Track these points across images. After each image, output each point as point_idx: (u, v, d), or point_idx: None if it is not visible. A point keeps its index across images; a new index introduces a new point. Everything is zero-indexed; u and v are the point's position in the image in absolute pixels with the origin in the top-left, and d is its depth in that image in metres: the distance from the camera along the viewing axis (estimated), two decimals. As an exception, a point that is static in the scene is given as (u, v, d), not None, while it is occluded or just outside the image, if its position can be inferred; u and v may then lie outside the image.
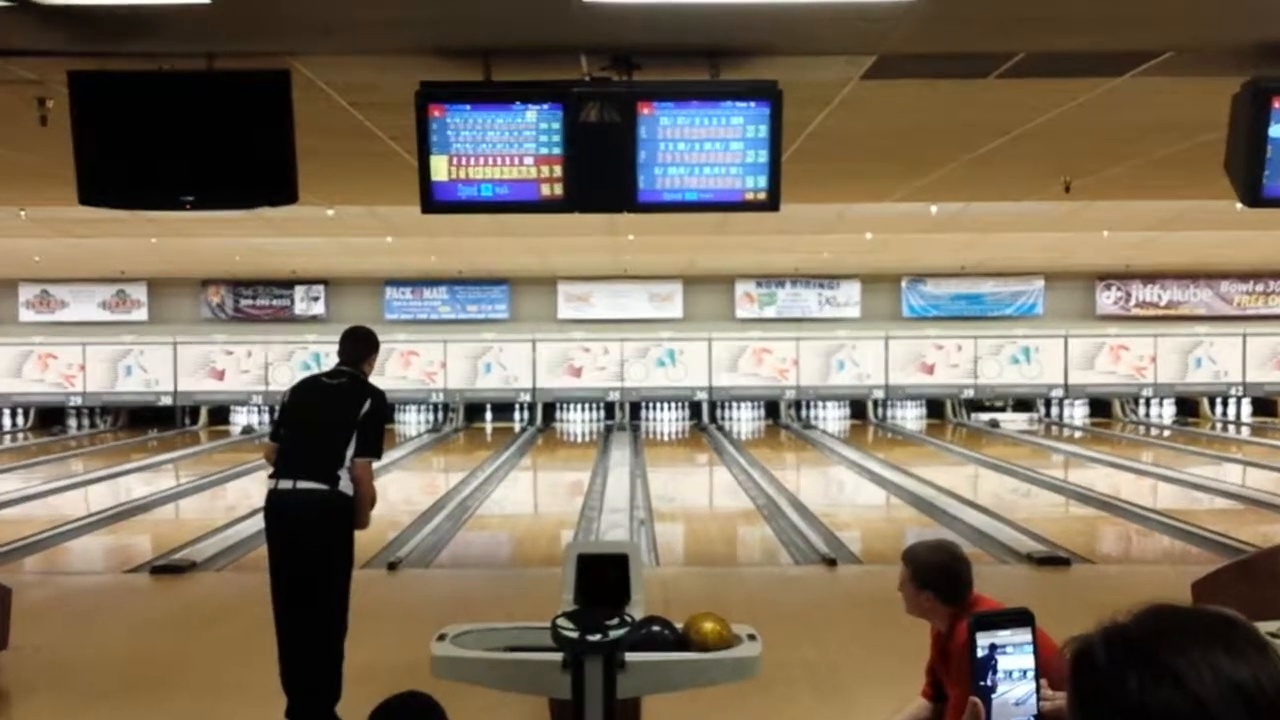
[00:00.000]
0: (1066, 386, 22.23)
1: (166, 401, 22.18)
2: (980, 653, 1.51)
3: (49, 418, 22.38)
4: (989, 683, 1.50)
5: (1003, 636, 1.51)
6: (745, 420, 22.23)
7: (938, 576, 3.64)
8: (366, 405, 5.14)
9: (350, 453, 5.08)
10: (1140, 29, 4.94)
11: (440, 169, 5.03)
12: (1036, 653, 1.53)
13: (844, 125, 6.71)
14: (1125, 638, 1.12)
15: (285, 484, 5.08)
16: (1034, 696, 1.50)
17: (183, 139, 4.91)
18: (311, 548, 5.06)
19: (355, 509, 5.13)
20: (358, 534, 5.29)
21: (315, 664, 5.11)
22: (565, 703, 4.11)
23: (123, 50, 4.81)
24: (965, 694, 3.76)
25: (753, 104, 4.99)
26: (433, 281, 21.84)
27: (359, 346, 5.36)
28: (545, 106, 4.97)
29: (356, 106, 6.24)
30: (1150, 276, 21.81)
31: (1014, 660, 1.51)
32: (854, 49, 5.22)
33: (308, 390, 5.36)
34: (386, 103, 5.97)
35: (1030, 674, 1.51)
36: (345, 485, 5.07)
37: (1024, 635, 1.52)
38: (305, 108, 5.03)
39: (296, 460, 5.12)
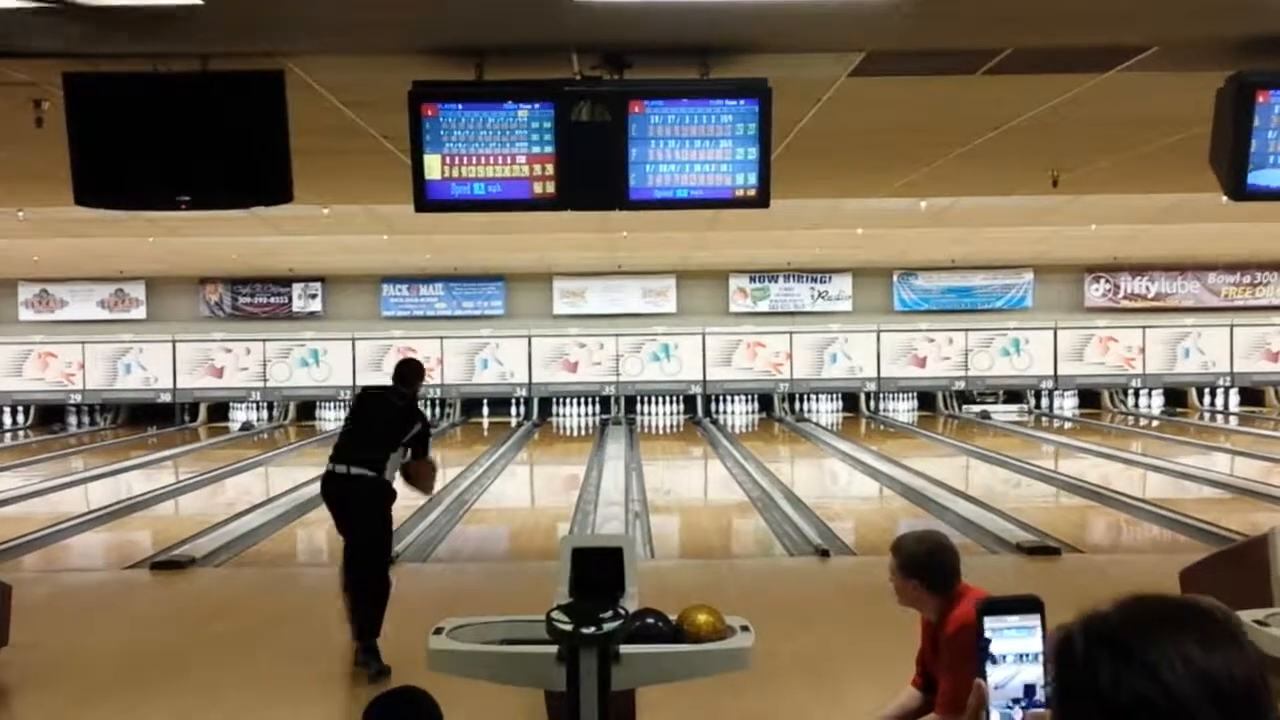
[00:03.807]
0: (1056, 378, 22.32)
1: (166, 399, 22.22)
2: (986, 637, 1.53)
3: (49, 415, 22.42)
4: (994, 667, 1.52)
5: (1010, 622, 1.53)
6: (739, 413, 22.30)
7: (924, 565, 3.70)
8: (416, 428, 6.36)
9: (395, 452, 6.23)
10: (1125, 25, 5.00)
11: (434, 168, 5.08)
12: (1045, 639, 1.54)
13: (833, 122, 6.76)
14: (1102, 627, 1.14)
15: (340, 468, 6.19)
16: (1040, 682, 1.52)
17: (178, 139, 4.95)
18: (359, 518, 6.18)
19: (420, 479, 6.51)
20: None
21: (366, 603, 6.13)
22: (561, 695, 4.17)
23: (117, 52, 4.86)
24: (954, 683, 3.84)
25: (742, 102, 5.05)
26: (429, 278, 21.88)
27: (411, 374, 6.61)
28: (537, 105, 5.02)
29: (350, 106, 6.29)
30: (1138, 269, 21.89)
31: (1021, 645, 1.53)
32: (842, 46, 5.28)
33: (375, 401, 6.65)
34: (380, 102, 6.01)
35: (1038, 659, 1.52)
36: (388, 474, 6.20)
37: (1032, 621, 1.54)
38: (299, 108, 5.07)
39: (353, 451, 6.23)
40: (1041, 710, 1.50)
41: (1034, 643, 1.53)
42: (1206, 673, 1.08)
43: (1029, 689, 1.52)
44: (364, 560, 6.20)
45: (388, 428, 6.32)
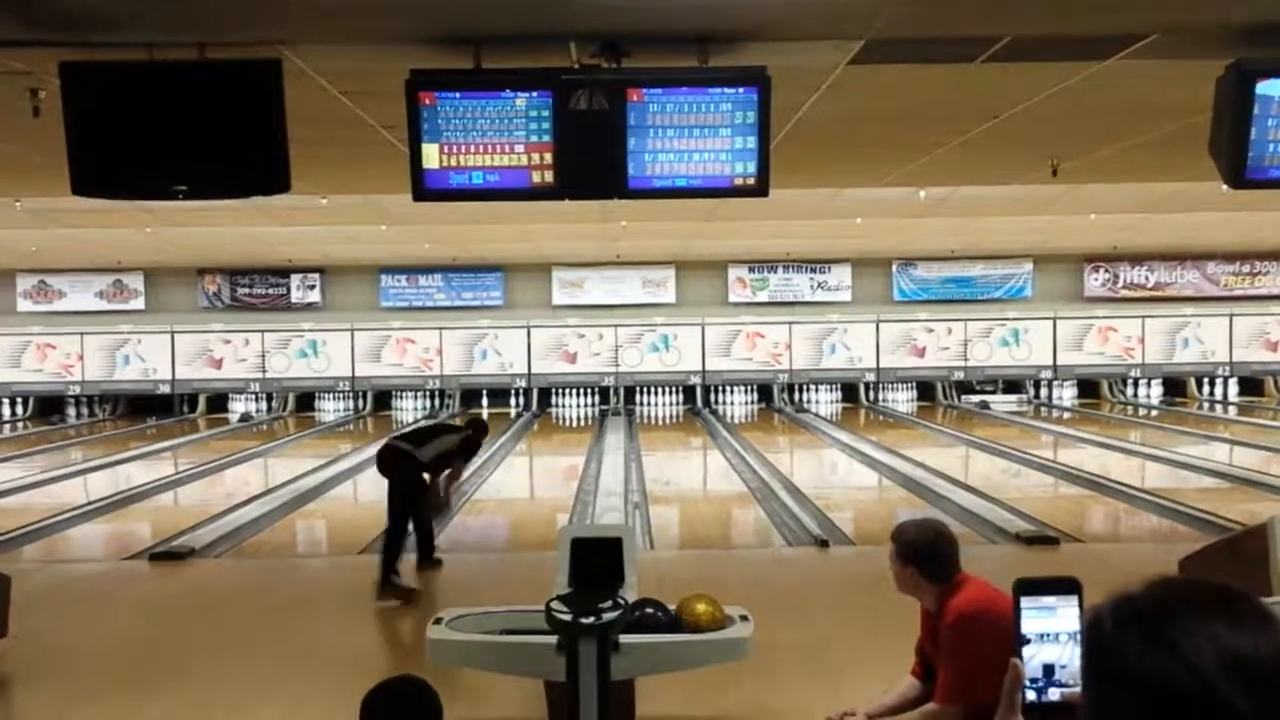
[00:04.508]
0: (1055, 368, 22.33)
1: (164, 390, 22.22)
2: (1022, 616, 1.54)
3: (48, 407, 22.42)
4: (1028, 646, 1.53)
5: (1043, 602, 1.55)
6: (738, 404, 22.30)
7: (922, 553, 3.71)
8: (465, 440, 8.47)
9: (440, 448, 8.24)
10: (1125, 12, 4.98)
11: (432, 157, 5.06)
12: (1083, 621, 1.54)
13: (832, 110, 6.75)
14: (1131, 607, 1.15)
15: (391, 441, 8.35)
16: (1060, 663, 1.52)
17: (174, 129, 4.92)
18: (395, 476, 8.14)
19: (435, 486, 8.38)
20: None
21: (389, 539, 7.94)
22: (560, 684, 4.18)
23: (114, 40, 4.84)
24: (952, 672, 3.83)
25: (741, 90, 5.03)
26: (428, 269, 21.86)
27: (476, 431, 8.71)
28: (535, 94, 5.00)
29: (348, 95, 6.27)
30: (1137, 258, 21.88)
31: (1043, 626, 1.54)
32: (841, 34, 5.26)
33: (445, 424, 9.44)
34: (378, 91, 5.99)
35: (1058, 639, 1.53)
36: (423, 455, 8.07)
37: (1069, 602, 1.54)
38: (297, 97, 5.04)
39: (407, 434, 8.47)
40: (1076, 690, 1.51)
41: (1057, 623, 1.55)
42: (1233, 652, 1.08)
43: (1048, 669, 1.54)
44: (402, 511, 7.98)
45: (441, 433, 8.49)
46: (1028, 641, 1.54)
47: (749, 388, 22.47)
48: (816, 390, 22.51)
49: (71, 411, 22.55)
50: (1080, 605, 1.55)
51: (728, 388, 22.40)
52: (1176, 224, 16.61)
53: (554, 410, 22.22)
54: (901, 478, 12.93)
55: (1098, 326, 22.23)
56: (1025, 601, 1.55)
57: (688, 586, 4.91)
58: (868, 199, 12.58)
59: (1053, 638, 1.55)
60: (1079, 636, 1.48)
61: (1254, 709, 1.07)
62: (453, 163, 5.06)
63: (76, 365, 22.16)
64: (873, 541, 8.72)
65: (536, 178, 5.08)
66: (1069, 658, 1.53)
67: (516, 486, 14.56)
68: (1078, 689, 1.48)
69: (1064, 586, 1.57)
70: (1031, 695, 1.52)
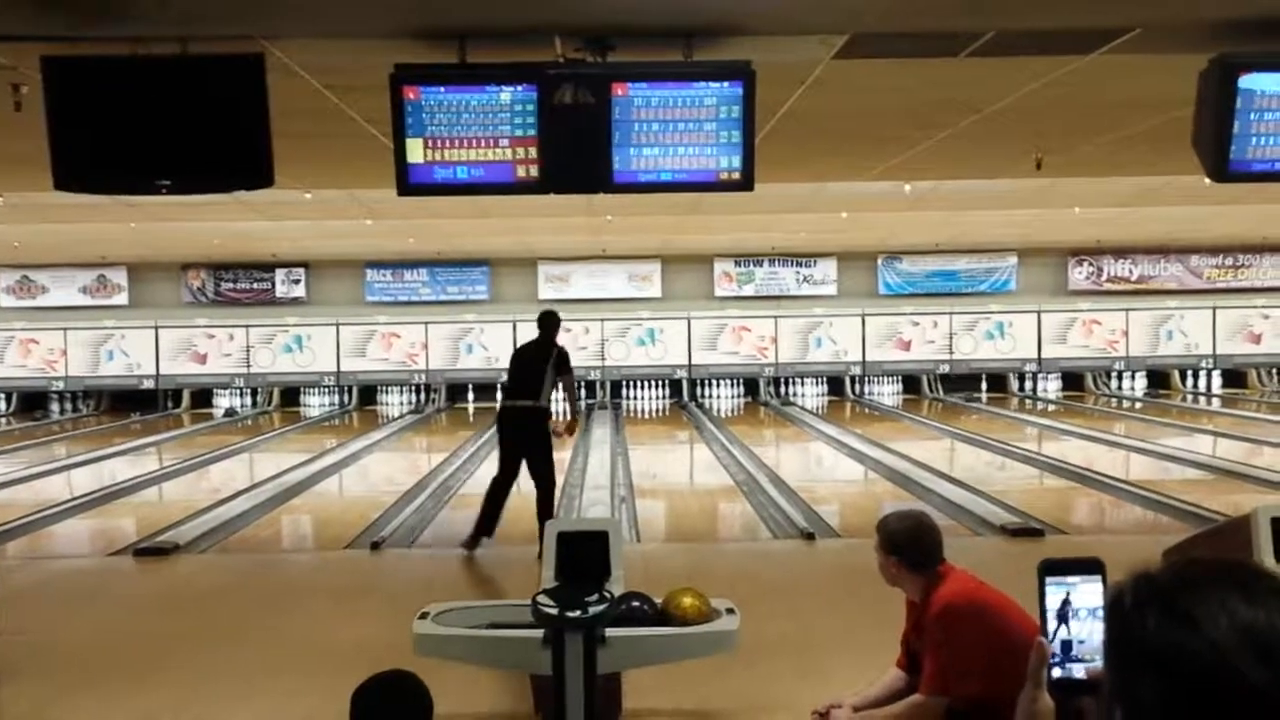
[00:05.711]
0: (1040, 361, 22.40)
1: (149, 385, 22.12)
2: (1047, 597, 1.56)
3: (31, 402, 22.29)
4: (1053, 626, 1.55)
5: (1068, 580, 1.57)
6: (725, 398, 22.32)
7: (904, 543, 3.74)
8: (554, 354, 8.59)
9: (548, 382, 8.50)
10: (1108, 7, 5.00)
11: (416, 151, 5.06)
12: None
13: (817, 105, 6.76)
14: (1151, 583, 1.17)
15: (509, 402, 8.71)
16: (1078, 639, 1.54)
17: (157, 123, 4.91)
18: (527, 439, 8.56)
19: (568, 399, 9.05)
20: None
21: (543, 499, 8.66)
22: (546, 678, 4.19)
23: (96, 34, 4.82)
24: (938, 663, 3.84)
25: (726, 84, 5.04)
26: (413, 263, 21.81)
27: (548, 323, 8.76)
28: (520, 88, 5.00)
29: (332, 89, 6.25)
30: (1121, 252, 21.96)
31: (1075, 602, 1.56)
32: (826, 28, 5.27)
33: (523, 349, 9.08)
34: (362, 85, 5.97)
35: (1093, 616, 1.55)
36: (543, 401, 8.49)
37: (1091, 581, 1.57)
38: (280, 91, 5.03)
39: (516, 388, 8.57)
40: (1097, 665, 1.53)
41: (1077, 600, 1.57)
42: (1249, 625, 1.10)
43: (1067, 645, 1.56)
44: (538, 472, 8.56)
45: (535, 362, 8.57)
46: (1052, 620, 1.56)
47: (735, 381, 22.49)
48: (802, 383, 22.54)
49: (55, 407, 22.42)
50: (1104, 585, 1.58)
51: (714, 381, 22.41)
52: (1160, 217, 16.68)
53: (540, 404, 22.18)
54: (887, 470, 12.97)
55: (1082, 319, 22.31)
56: (1049, 580, 1.58)
57: (674, 579, 4.92)
58: (853, 193, 12.60)
59: (1074, 614, 1.58)
60: (1099, 614, 1.51)
61: (1272, 681, 1.08)
62: (437, 157, 5.06)
63: (60, 361, 22.05)
64: (859, 534, 8.73)
65: (521, 172, 5.08)
66: (1088, 634, 1.55)
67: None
68: (1098, 664, 1.51)
69: (1087, 567, 1.60)
70: (1056, 672, 1.55)
